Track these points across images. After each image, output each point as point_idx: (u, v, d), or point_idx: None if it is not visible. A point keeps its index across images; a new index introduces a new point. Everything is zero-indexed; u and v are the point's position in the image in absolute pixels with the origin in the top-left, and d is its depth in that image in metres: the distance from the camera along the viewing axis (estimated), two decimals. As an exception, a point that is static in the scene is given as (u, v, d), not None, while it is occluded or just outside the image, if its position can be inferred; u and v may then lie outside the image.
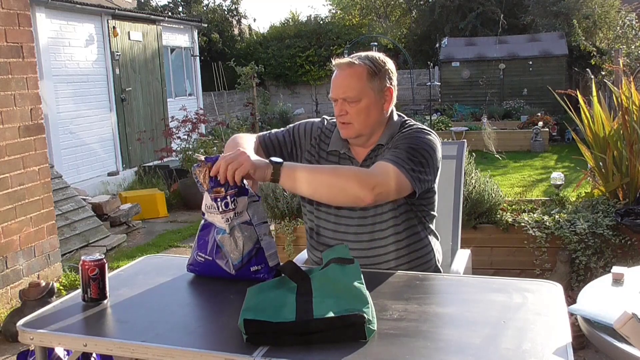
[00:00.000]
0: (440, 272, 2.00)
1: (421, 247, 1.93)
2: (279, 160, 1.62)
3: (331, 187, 1.65)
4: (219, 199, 1.61)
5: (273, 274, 1.65)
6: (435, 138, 1.85)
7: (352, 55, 1.87)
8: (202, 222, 1.72)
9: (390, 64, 1.88)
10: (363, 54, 1.88)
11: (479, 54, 12.96)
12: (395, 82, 1.89)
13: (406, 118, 1.96)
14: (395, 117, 1.93)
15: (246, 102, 12.29)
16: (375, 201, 1.66)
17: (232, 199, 1.61)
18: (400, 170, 1.70)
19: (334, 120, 1.97)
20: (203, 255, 1.70)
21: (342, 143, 1.92)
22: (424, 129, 1.87)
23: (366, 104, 1.81)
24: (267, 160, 1.62)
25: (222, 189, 1.61)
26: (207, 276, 1.72)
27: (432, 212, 1.97)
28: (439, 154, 1.84)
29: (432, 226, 2.00)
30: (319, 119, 2.05)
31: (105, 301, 1.57)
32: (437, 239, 2.04)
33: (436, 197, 1.95)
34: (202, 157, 1.66)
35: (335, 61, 1.86)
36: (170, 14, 16.83)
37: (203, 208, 1.70)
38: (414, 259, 1.91)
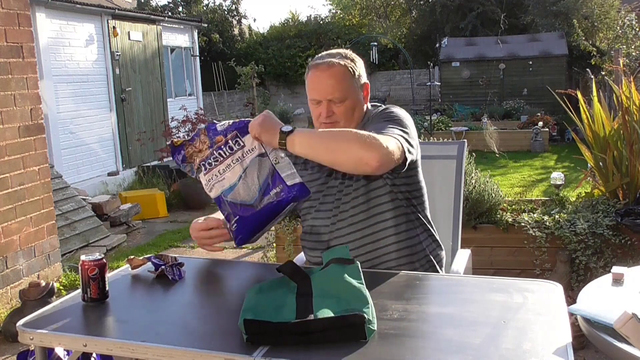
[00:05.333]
0: (435, 264, 1.98)
1: (416, 242, 1.92)
2: (288, 128, 1.61)
3: (333, 150, 1.60)
4: (222, 146, 1.65)
5: (294, 193, 1.65)
6: (405, 112, 1.90)
7: (324, 55, 1.89)
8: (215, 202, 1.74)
9: (360, 60, 1.93)
10: (334, 51, 1.92)
11: (479, 54, 12.96)
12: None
13: (378, 104, 1.99)
14: (370, 107, 1.97)
15: (246, 102, 12.29)
16: (381, 165, 1.58)
17: (234, 141, 1.65)
18: (392, 134, 1.68)
19: None
20: (235, 221, 1.71)
21: None
22: (392, 106, 1.91)
23: (351, 102, 1.85)
24: (277, 127, 1.62)
25: (221, 137, 1.66)
26: (251, 233, 1.71)
27: (422, 197, 1.97)
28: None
29: (427, 213, 1.99)
30: None
31: (105, 301, 1.57)
32: (434, 231, 2.02)
33: (421, 177, 1.95)
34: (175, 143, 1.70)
35: (313, 62, 1.88)
36: (170, 14, 16.82)
37: (207, 190, 1.71)
38: (413, 253, 1.90)
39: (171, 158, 1.72)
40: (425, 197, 1.99)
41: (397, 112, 1.85)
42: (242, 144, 1.66)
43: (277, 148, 1.64)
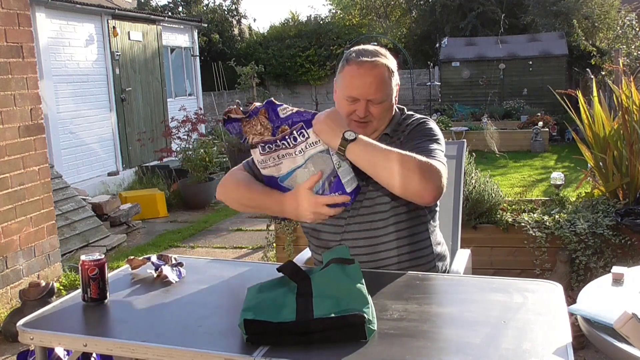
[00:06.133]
0: (441, 265, 1.97)
1: (427, 245, 1.91)
2: (351, 136, 1.56)
3: (393, 174, 1.56)
4: (287, 137, 1.63)
5: (350, 202, 1.64)
6: (435, 124, 1.90)
7: (364, 51, 1.82)
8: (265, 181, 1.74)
9: (392, 57, 1.89)
10: (372, 48, 1.85)
11: (479, 54, 12.96)
12: None
13: (403, 107, 1.98)
14: (397, 109, 1.95)
15: (246, 102, 12.28)
16: (434, 200, 1.60)
17: (299, 132, 1.62)
18: (440, 159, 1.69)
19: None
20: None
21: None
22: (428, 119, 1.90)
23: (388, 103, 1.83)
24: (340, 130, 1.57)
25: (287, 127, 1.63)
26: None
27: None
28: None
29: (436, 216, 1.97)
30: None
31: (105, 301, 1.57)
32: (439, 232, 2.01)
33: None
34: (234, 114, 1.65)
35: (354, 58, 1.80)
36: (170, 14, 16.83)
37: (258, 166, 1.70)
38: (425, 254, 1.90)
39: (224, 126, 1.66)
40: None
41: (435, 130, 1.84)
42: (306, 135, 1.63)
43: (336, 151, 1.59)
